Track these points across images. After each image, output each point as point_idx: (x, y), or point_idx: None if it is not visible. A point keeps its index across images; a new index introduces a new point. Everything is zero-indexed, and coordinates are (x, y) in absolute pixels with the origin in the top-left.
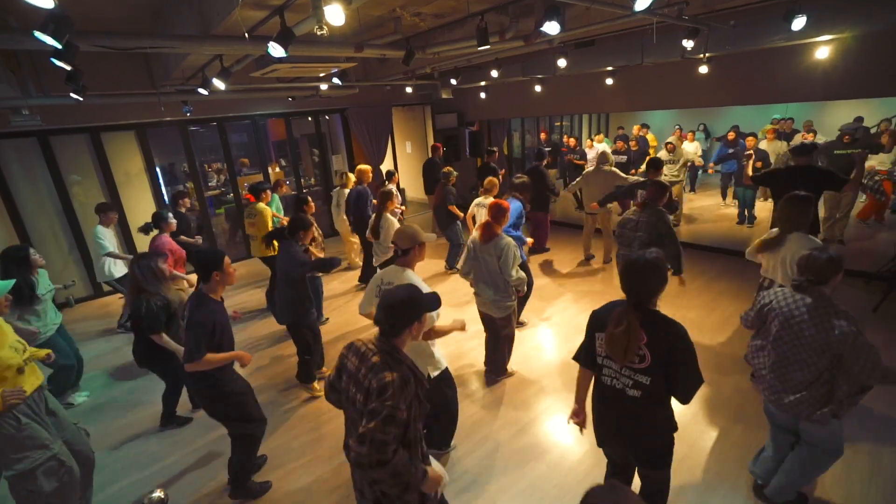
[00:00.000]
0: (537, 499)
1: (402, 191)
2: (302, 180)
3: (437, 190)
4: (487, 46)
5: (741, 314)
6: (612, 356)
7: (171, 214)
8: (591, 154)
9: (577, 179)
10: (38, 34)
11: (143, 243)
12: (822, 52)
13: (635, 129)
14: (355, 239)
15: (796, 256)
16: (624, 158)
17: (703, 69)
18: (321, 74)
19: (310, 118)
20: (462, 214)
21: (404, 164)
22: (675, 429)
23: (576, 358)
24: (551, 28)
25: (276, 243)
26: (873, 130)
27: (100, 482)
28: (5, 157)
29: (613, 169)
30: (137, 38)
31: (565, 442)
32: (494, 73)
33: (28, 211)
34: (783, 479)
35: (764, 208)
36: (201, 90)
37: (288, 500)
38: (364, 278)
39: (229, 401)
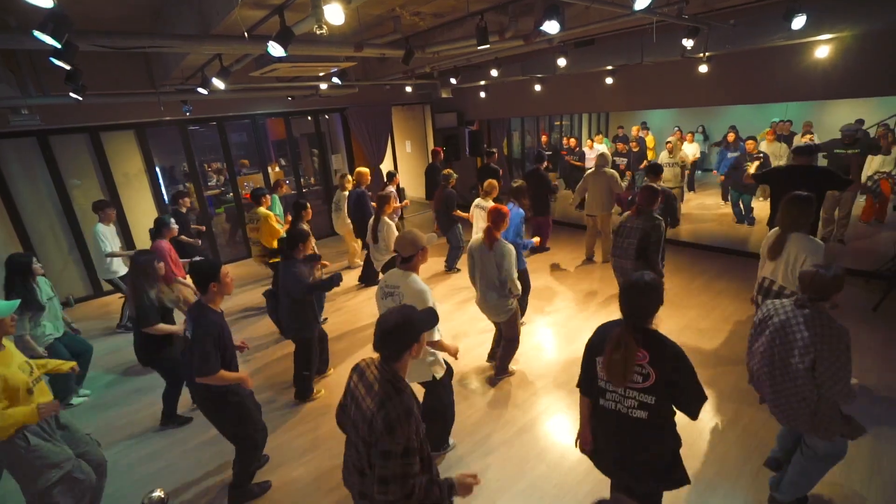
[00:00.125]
0: (537, 498)
1: (401, 190)
2: (301, 180)
3: (437, 192)
4: (487, 46)
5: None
6: (611, 380)
7: (172, 220)
8: (590, 154)
9: (580, 182)
10: (37, 33)
11: (143, 241)
12: (822, 51)
13: (634, 130)
14: (357, 241)
15: (799, 258)
16: (624, 161)
17: (703, 68)
18: (321, 74)
19: (309, 118)
20: (466, 216)
21: (404, 164)
22: (680, 444)
23: (579, 386)
24: (551, 27)
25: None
26: (873, 134)
27: None
28: (5, 157)
29: (613, 172)
30: (137, 38)
31: (565, 442)
32: (494, 73)
33: (28, 211)
34: (788, 483)
35: (762, 208)
36: (201, 90)
37: (287, 500)
38: (364, 278)
39: (229, 405)
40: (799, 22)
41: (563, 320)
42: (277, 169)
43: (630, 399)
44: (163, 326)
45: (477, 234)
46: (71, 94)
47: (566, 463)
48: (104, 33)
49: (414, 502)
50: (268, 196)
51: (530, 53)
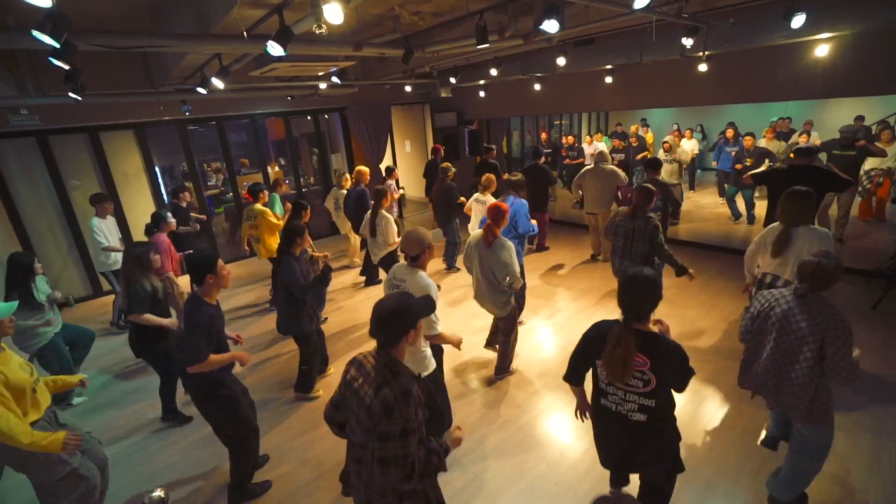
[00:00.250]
0: (537, 497)
1: (401, 189)
2: (301, 179)
3: (435, 186)
4: (486, 45)
5: (741, 328)
6: (611, 375)
7: (169, 214)
8: (589, 150)
9: (577, 177)
10: (35, 33)
11: (142, 239)
12: (822, 49)
13: (633, 128)
14: (357, 238)
15: (812, 249)
16: (622, 157)
17: (703, 67)
18: (320, 73)
19: (309, 117)
20: (465, 201)
21: (404, 163)
22: (679, 438)
23: (566, 379)
24: (550, 26)
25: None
26: (874, 131)
27: None
28: (4, 157)
29: (614, 168)
30: (136, 37)
31: (565, 440)
32: (493, 72)
33: (27, 211)
34: (783, 482)
35: (758, 207)
36: (200, 89)
37: (287, 500)
38: (365, 272)
39: (220, 398)
40: (798, 21)
41: (563, 320)
42: (277, 168)
43: (630, 402)
44: (150, 317)
45: (474, 228)
46: (70, 94)
47: (566, 462)
48: (103, 33)
49: (415, 478)
50: (265, 192)
51: (530, 53)
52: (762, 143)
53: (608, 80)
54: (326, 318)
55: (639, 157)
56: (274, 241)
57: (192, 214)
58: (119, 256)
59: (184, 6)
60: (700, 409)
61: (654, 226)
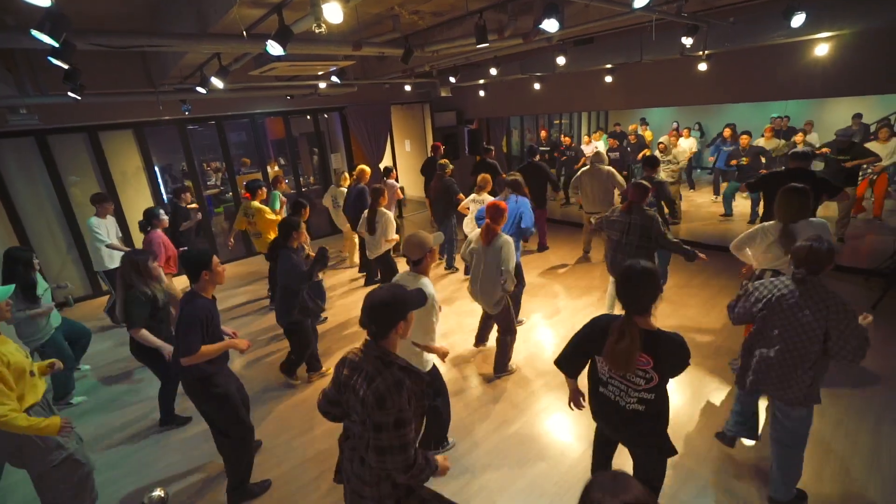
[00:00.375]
0: (537, 496)
1: (400, 188)
2: (301, 179)
3: (433, 183)
4: (486, 44)
5: (729, 304)
6: (614, 368)
7: (162, 211)
8: (587, 150)
9: (574, 179)
10: (34, 32)
11: (140, 239)
12: (822, 49)
13: (631, 128)
14: (355, 236)
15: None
16: (616, 155)
17: (703, 66)
18: (319, 73)
19: (308, 117)
20: (462, 207)
21: (403, 163)
22: (667, 422)
23: (557, 363)
24: (550, 25)
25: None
26: (873, 129)
27: (100, 481)
28: (3, 157)
29: (610, 169)
30: (135, 37)
31: (565, 440)
32: (493, 71)
33: (27, 211)
34: (780, 480)
35: (745, 205)
36: (199, 89)
37: (287, 499)
38: (364, 269)
39: (213, 397)
40: (798, 20)
41: (563, 318)
42: (277, 168)
43: (631, 396)
44: (145, 334)
45: (468, 226)
46: (69, 94)
47: (566, 461)
48: (102, 32)
49: (415, 471)
50: (263, 189)
51: (529, 52)
52: (760, 142)
53: (608, 79)
54: (326, 318)
55: (640, 156)
56: (273, 237)
57: (189, 208)
58: (115, 257)
59: (183, 5)
60: (699, 409)
61: (651, 217)
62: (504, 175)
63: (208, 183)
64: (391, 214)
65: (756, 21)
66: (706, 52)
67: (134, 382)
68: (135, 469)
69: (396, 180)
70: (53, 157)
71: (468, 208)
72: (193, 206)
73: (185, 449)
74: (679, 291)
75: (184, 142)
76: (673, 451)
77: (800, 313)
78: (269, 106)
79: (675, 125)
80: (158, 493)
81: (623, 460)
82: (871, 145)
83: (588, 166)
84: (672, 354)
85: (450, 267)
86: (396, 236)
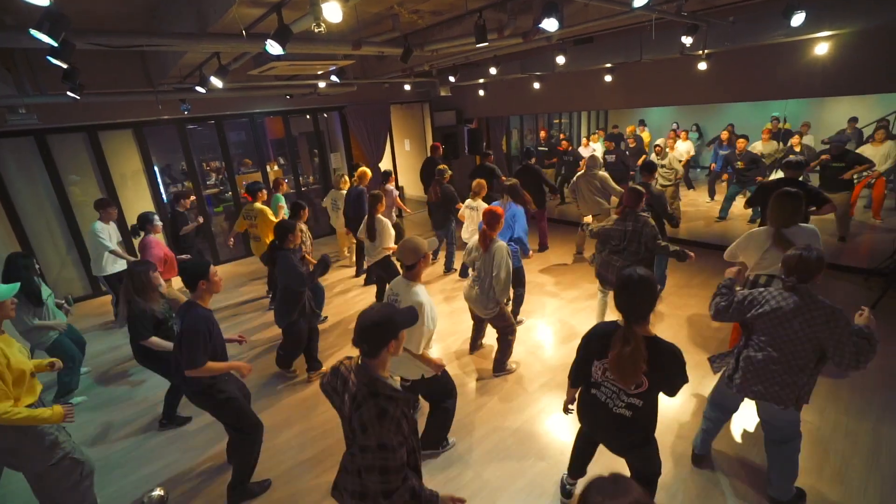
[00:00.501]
0: (537, 496)
1: (400, 188)
2: (301, 178)
3: (432, 187)
4: (486, 43)
5: (713, 303)
6: (621, 377)
7: (156, 216)
8: (585, 153)
9: (571, 184)
10: (33, 32)
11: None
12: (822, 48)
13: (629, 130)
14: (351, 237)
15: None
16: (613, 158)
17: (702, 66)
18: (319, 72)
19: (308, 116)
20: (460, 214)
21: (403, 162)
22: (655, 426)
23: (570, 377)
24: (550, 25)
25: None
26: (870, 132)
27: (100, 481)
28: (3, 157)
29: (604, 174)
30: (134, 36)
31: (565, 439)
32: (493, 71)
33: (26, 211)
34: (778, 479)
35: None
36: (199, 88)
37: (287, 499)
38: (364, 272)
39: (222, 404)
40: (798, 19)
41: (562, 318)
42: (276, 168)
43: (620, 400)
44: (156, 340)
45: (465, 231)
46: (68, 93)
47: (566, 460)
48: (101, 32)
49: (393, 495)
50: (263, 191)
51: (529, 51)
52: (757, 145)
53: (608, 78)
54: (326, 318)
55: (640, 161)
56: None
57: (189, 212)
58: (114, 262)
59: (183, 5)
60: (698, 410)
61: (644, 222)
62: (503, 179)
63: (208, 182)
64: (388, 222)
65: (756, 20)
66: (706, 51)
67: (133, 383)
68: (134, 469)
69: (397, 182)
70: (53, 157)
71: (465, 216)
72: (200, 217)
73: (185, 449)
74: (679, 291)
75: (183, 141)
76: (657, 471)
77: (794, 322)
78: (268, 105)
79: (674, 126)
80: (158, 492)
81: (608, 461)
82: (865, 148)
83: (583, 171)
84: (667, 362)
85: (449, 269)
86: (394, 246)
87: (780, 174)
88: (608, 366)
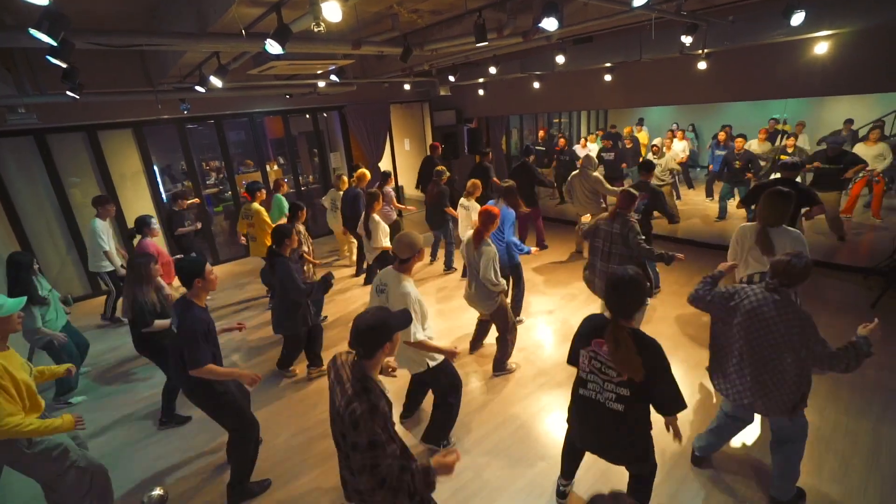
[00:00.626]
0: (537, 495)
1: (399, 188)
2: (300, 178)
3: (429, 188)
4: (485, 43)
5: (694, 290)
6: (624, 372)
7: (154, 220)
8: (582, 153)
9: (566, 184)
10: (33, 31)
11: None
12: (821, 47)
13: (626, 130)
14: (349, 237)
15: (786, 249)
16: (611, 156)
17: (702, 65)
18: (318, 72)
19: (307, 116)
20: (454, 213)
21: (403, 162)
22: (650, 427)
23: (570, 363)
24: (549, 24)
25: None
26: (865, 132)
27: None
28: (2, 157)
29: (598, 175)
30: (134, 36)
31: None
32: (493, 70)
33: (26, 211)
34: (779, 479)
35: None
36: (198, 88)
37: (287, 499)
38: (361, 270)
39: (220, 400)
40: (798, 18)
41: (562, 317)
42: (276, 167)
43: (608, 392)
44: (159, 322)
45: (463, 231)
46: (68, 93)
47: None
48: (101, 31)
49: (388, 490)
50: (262, 191)
51: (529, 51)
52: (753, 144)
53: (607, 77)
54: (326, 317)
55: (640, 160)
56: (269, 241)
57: (188, 210)
58: (113, 258)
59: (182, 5)
60: (697, 410)
61: (634, 230)
62: (496, 181)
63: (207, 182)
64: (382, 222)
65: (756, 19)
66: (706, 50)
67: (132, 382)
68: (134, 468)
69: (396, 181)
70: (52, 157)
71: (459, 215)
72: (195, 200)
73: (185, 448)
74: (678, 290)
75: (183, 141)
76: (651, 472)
77: (771, 324)
78: (267, 105)
79: (674, 126)
80: (158, 491)
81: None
82: (858, 147)
83: (578, 171)
84: (646, 350)
85: (449, 267)
86: (388, 245)
87: (777, 175)
88: (612, 362)
